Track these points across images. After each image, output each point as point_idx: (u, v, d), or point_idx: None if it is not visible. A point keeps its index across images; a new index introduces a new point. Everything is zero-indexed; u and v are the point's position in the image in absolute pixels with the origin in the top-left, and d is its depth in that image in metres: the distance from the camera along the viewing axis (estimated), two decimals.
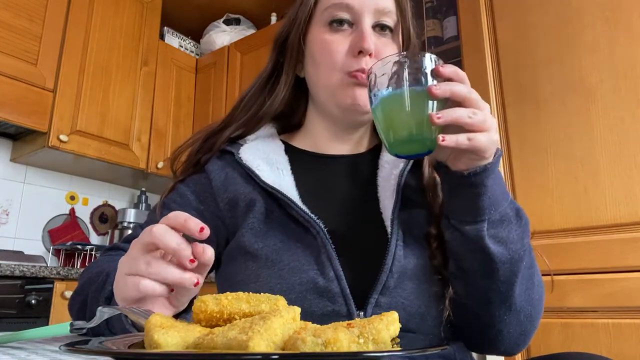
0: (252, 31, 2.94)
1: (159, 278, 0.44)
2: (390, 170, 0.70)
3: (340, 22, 0.69)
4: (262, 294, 0.41)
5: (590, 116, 1.39)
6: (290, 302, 0.57)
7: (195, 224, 0.44)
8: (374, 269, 0.60)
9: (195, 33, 3.15)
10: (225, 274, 0.68)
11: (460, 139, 0.48)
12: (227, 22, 2.99)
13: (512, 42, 1.57)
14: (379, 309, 0.58)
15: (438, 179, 0.66)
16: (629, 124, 1.33)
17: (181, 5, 3.00)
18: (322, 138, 0.76)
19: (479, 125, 0.49)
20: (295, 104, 0.79)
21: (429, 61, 0.50)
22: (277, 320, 0.33)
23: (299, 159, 0.73)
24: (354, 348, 0.32)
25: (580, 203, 1.36)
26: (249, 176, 0.69)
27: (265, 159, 0.71)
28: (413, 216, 0.66)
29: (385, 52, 0.68)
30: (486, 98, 1.56)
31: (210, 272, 0.73)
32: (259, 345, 0.30)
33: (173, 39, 2.99)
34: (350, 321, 0.37)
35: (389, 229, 0.63)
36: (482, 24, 1.63)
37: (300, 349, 0.30)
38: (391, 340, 0.36)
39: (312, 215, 0.63)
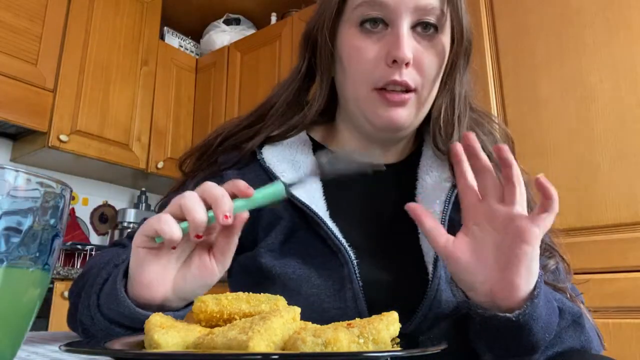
0: (252, 31, 2.94)
1: (189, 206, 0.42)
2: (432, 191, 0.60)
3: (373, 21, 0.57)
4: (262, 294, 0.41)
5: (590, 116, 1.39)
6: None
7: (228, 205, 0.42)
8: (405, 313, 0.50)
9: (195, 33, 3.15)
10: (240, 287, 0.63)
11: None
12: (227, 22, 2.99)
13: (512, 42, 1.57)
14: None
15: None
16: (629, 124, 1.33)
17: (181, 5, 2.99)
18: (350, 149, 0.66)
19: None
20: (329, 104, 0.68)
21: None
22: (277, 320, 0.33)
23: None
24: (354, 348, 0.32)
25: (581, 203, 1.36)
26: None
27: (292, 161, 0.62)
28: None
29: (425, 60, 0.57)
30: (486, 98, 1.56)
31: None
32: (259, 345, 0.30)
33: (173, 39, 2.99)
34: (350, 321, 0.37)
35: (429, 269, 0.54)
36: (482, 24, 1.63)
37: (300, 349, 0.30)
38: (391, 340, 0.36)
39: (344, 242, 0.55)
